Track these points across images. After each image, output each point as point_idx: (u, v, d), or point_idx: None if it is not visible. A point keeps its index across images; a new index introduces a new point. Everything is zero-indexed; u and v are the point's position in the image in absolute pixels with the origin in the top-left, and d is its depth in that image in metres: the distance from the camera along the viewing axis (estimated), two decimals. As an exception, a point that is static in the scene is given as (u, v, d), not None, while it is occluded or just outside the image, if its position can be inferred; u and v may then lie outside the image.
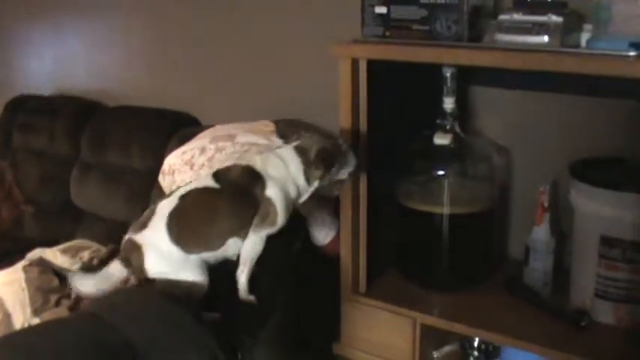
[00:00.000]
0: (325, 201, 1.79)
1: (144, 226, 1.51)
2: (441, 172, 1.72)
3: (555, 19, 1.44)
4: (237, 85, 2.51)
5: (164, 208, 1.52)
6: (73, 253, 2.06)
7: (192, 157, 1.96)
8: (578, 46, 1.47)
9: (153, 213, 1.52)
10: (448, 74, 1.68)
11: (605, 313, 1.55)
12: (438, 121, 1.70)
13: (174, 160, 2.00)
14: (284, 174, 1.54)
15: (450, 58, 1.52)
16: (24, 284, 1.84)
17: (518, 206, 1.87)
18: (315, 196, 1.82)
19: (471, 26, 1.53)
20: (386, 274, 1.82)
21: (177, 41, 2.67)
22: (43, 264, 1.90)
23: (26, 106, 2.98)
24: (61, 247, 2.10)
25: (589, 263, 1.56)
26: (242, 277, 1.52)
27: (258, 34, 2.41)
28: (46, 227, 2.72)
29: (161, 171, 2.04)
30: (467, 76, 1.79)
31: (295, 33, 2.29)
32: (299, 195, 1.57)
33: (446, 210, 1.70)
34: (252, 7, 2.41)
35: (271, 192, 1.51)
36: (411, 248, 1.80)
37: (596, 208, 1.53)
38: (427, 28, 1.56)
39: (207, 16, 2.54)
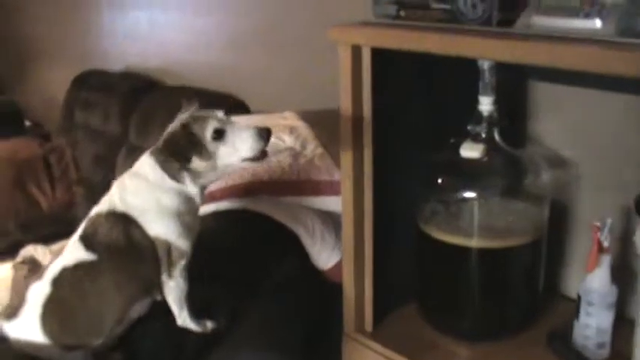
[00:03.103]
0: (326, 216, 1.48)
1: (14, 314, 1.25)
2: (469, 194, 1.35)
3: (614, -5, 1.02)
4: (288, 71, 2.26)
5: (36, 295, 1.26)
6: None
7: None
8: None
9: (23, 299, 1.26)
10: (485, 67, 1.29)
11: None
12: (469, 127, 1.33)
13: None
14: (146, 193, 1.25)
15: (462, 48, 1.14)
16: (9, 284, 1.71)
17: (580, 232, 1.46)
18: (314, 211, 1.52)
19: (503, 6, 1.14)
20: (401, 312, 1.48)
21: (240, 24, 2.45)
22: (33, 262, 1.76)
23: (89, 82, 2.90)
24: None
25: (654, 333, 1.14)
26: (187, 322, 1.27)
27: (310, 20, 2.13)
28: (95, 210, 2.62)
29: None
30: (525, 68, 1.39)
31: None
32: (183, 199, 1.27)
33: (475, 242, 1.34)
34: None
35: (153, 229, 1.23)
36: (431, 283, 1.44)
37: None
38: (448, 7, 1.19)
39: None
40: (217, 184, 1.48)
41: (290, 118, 1.73)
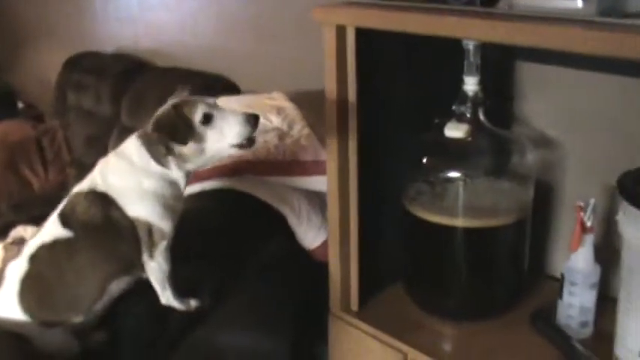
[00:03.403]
0: (313, 196, 1.48)
1: None
2: (454, 174, 1.35)
3: (595, -26, 1.02)
4: (279, 53, 2.23)
5: (13, 272, 1.26)
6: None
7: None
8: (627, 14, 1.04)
9: (2, 277, 1.27)
10: (470, 47, 1.29)
11: (651, 382, 1.15)
12: (453, 107, 1.33)
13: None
14: (129, 174, 1.24)
15: (446, 28, 1.13)
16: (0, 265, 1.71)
17: (564, 212, 1.46)
18: (300, 191, 1.53)
19: (487, -15, 1.14)
20: (388, 291, 1.49)
21: (230, 6, 2.42)
22: (23, 243, 1.76)
23: (81, 64, 2.89)
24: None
25: (636, 314, 1.15)
26: (171, 301, 1.27)
27: (301, 1, 2.11)
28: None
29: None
30: (511, 47, 1.39)
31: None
32: (167, 184, 1.26)
33: (461, 222, 1.34)
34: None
35: (133, 210, 1.22)
36: (418, 263, 1.45)
37: (647, 241, 1.11)
38: (432, -14, 1.19)
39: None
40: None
41: (278, 99, 1.73)
